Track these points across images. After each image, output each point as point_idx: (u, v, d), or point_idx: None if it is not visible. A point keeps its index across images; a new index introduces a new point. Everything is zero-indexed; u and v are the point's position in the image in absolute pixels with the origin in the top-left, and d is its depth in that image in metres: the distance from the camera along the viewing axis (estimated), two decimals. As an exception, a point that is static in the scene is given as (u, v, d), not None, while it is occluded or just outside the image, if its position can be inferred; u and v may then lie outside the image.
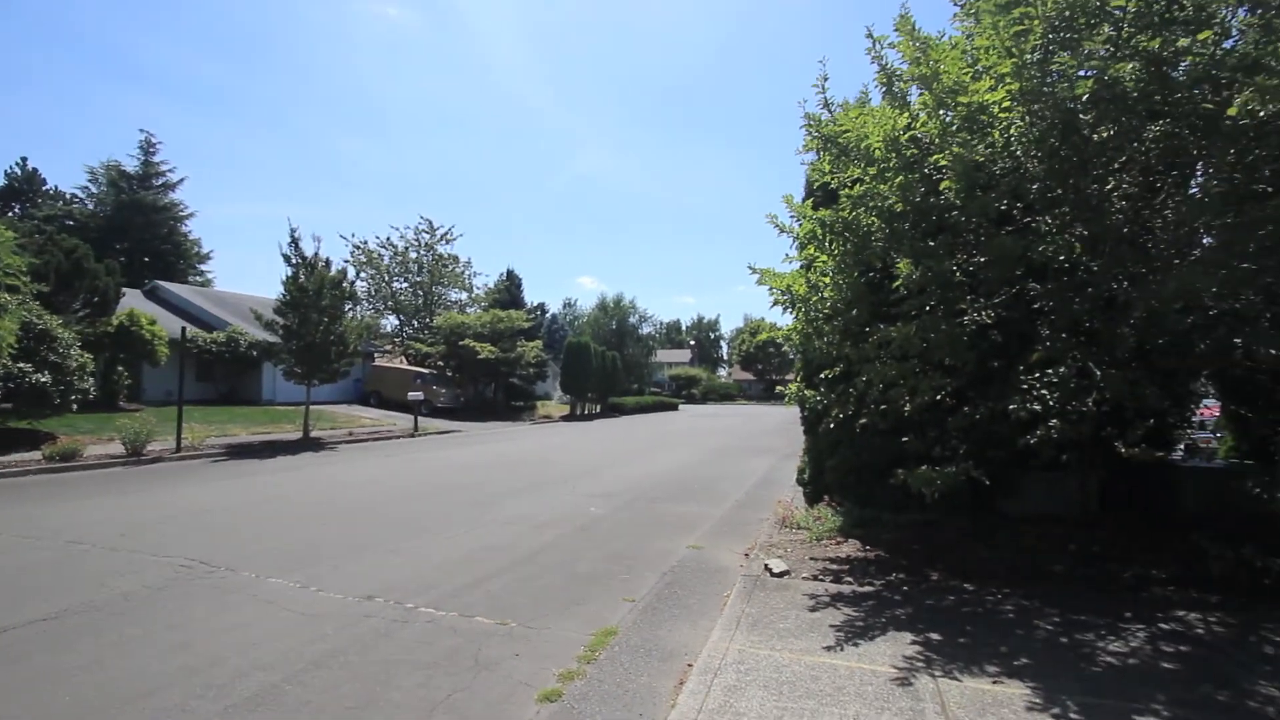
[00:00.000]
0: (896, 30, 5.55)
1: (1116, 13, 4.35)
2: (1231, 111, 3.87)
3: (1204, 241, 4.93)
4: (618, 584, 5.57)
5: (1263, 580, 4.54)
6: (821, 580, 5.36)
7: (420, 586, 5.28)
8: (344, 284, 17.47)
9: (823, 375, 6.76)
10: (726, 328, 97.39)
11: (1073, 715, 3.01)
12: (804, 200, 7.08)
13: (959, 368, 5.33)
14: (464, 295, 40.33)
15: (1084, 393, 4.73)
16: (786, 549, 6.45)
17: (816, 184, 6.74)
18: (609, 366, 36.57)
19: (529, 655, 3.99)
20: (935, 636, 4.05)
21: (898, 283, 4.97)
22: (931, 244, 5.06)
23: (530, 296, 54.35)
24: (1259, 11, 4.13)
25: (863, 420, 6.04)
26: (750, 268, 6.38)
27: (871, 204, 5.36)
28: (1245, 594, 4.52)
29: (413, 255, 38.47)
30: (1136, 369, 4.51)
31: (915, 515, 6.71)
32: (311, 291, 16.33)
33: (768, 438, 20.91)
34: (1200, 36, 4.06)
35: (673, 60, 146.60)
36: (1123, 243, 4.88)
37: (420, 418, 21.60)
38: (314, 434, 17.18)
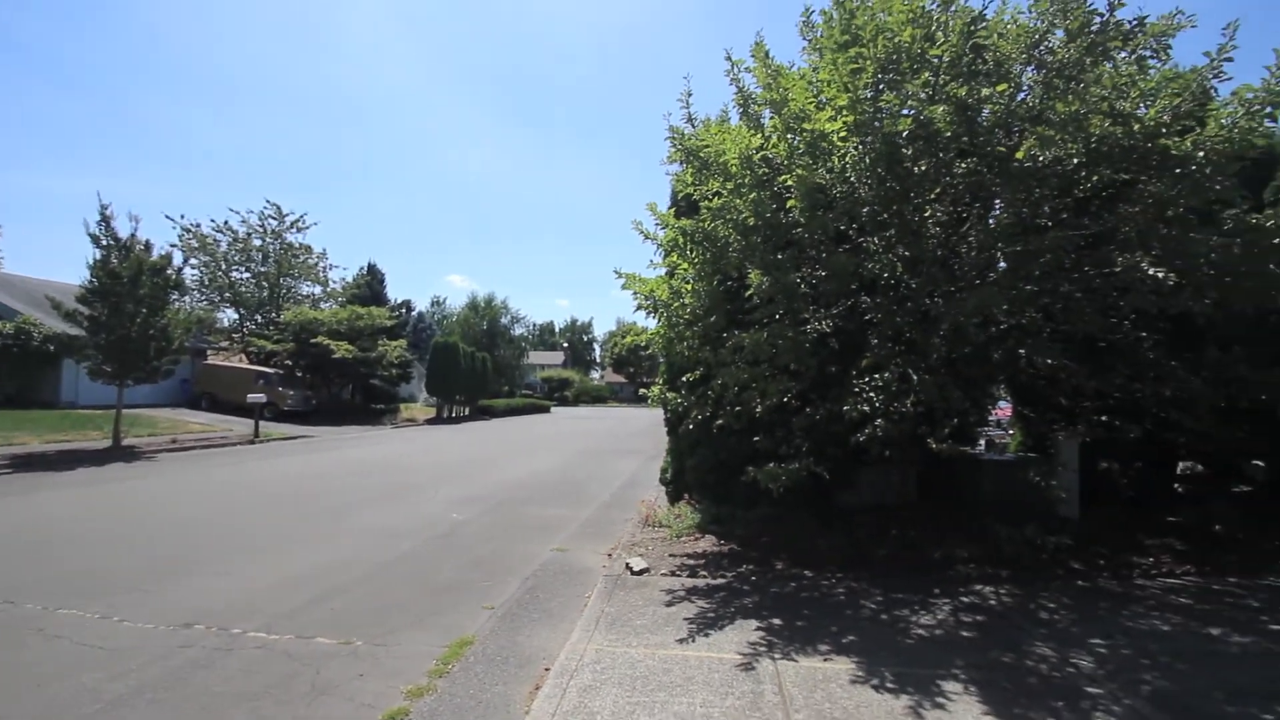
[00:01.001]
0: (752, 56, 5.93)
1: (934, 61, 4.95)
2: (1019, 155, 4.55)
3: (999, 266, 5.73)
4: (478, 592, 5.42)
5: (1041, 555, 5.36)
6: (679, 575, 5.56)
7: (250, 609, 4.79)
8: (168, 271, 15.40)
9: (684, 378, 7.03)
10: (600, 330, 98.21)
11: (889, 684, 3.35)
12: (669, 209, 7.33)
13: (803, 372, 5.77)
14: (318, 289, 37.17)
15: (904, 395, 5.31)
16: (648, 547, 6.62)
17: (680, 194, 7.00)
18: (479, 368, 35.47)
19: (375, 674, 3.77)
20: (777, 622, 4.35)
21: (750, 292, 5.28)
22: (780, 257, 5.44)
23: (394, 293, 51.27)
24: (1042, 71, 4.88)
25: (720, 421, 6.35)
26: (616, 272, 6.50)
27: (728, 217, 5.67)
28: (1029, 568, 5.30)
29: (256, 243, 34.81)
30: (945, 375, 5.14)
31: (765, 510, 7.16)
32: (126, 278, 14.23)
33: (636, 439, 21.34)
34: (998, 89, 4.72)
35: (556, 62, 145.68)
36: (936, 264, 5.55)
37: (263, 422, 19.62)
38: (127, 442, 15.02)
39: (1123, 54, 4.57)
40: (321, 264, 36.80)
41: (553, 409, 48.39)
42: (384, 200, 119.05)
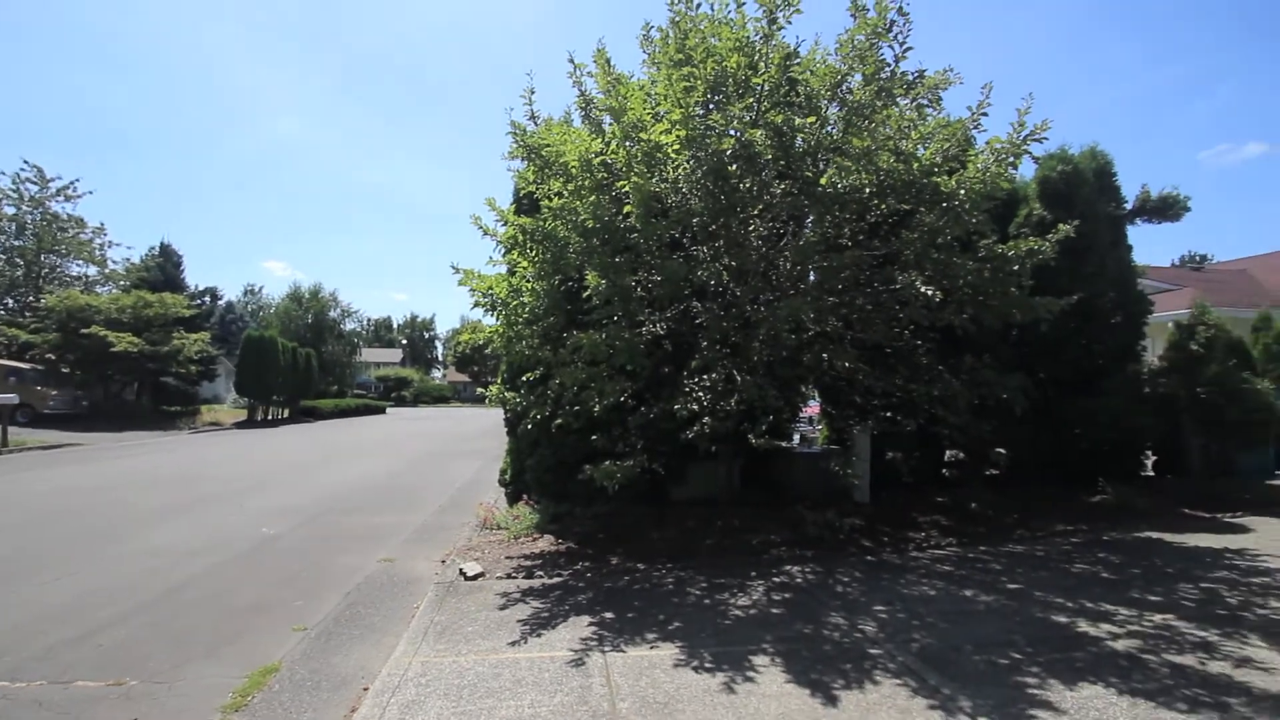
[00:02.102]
0: (594, 62, 6.03)
1: (756, 88, 5.39)
2: (823, 181, 5.10)
3: (810, 279, 6.38)
4: (289, 612, 4.94)
5: (839, 536, 6.05)
6: (515, 578, 5.50)
7: (-16, 656, 3.95)
8: None
9: (524, 378, 6.96)
10: (443, 327, 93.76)
11: (707, 664, 3.59)
12: (511, 206, 7.22)
13: (639, 373, 5.99)
14: (93, 270, 31.43)
15: (729, 395, 5.72)
16: (484, 551, 6.47)
17: (522, 191, 6.93)
18: (302, 365, 32.22)
19: (153, 718, 3.29)
20: (609, 615, 4.47)
21: (588, 293, 5.37)
22: (618, 260, 5.60)
23: (195, 279, 44.99)
24: (844, 109, 5.52)
25: (559, 421, 6.38)
26: (453, 267, 6.27)
27: (568, 217, 5.72)
28: (829, 547, 5.96)
29: (9, 210, 28.62)
30: (763, 376, 5.62)
31: (603, 507, 7.32)
32: None
33: (479, 440, 20.72)
34: (809, 120, 5.25)
35: (400, 36, 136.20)
36: (758, 275, 6.05)
37: (14, 428, 16.21)
38: None
39: (905, 101, 5.32)
40: (98, 240, 31.16)
41: (388, 410, 45.36)
42: (187, 170, 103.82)
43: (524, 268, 6.11)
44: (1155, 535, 6.10)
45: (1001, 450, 8.42)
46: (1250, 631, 3.72)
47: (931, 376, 5.92)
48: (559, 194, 5.84)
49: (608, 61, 6.00)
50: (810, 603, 4.61)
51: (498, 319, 6.40)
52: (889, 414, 6.32)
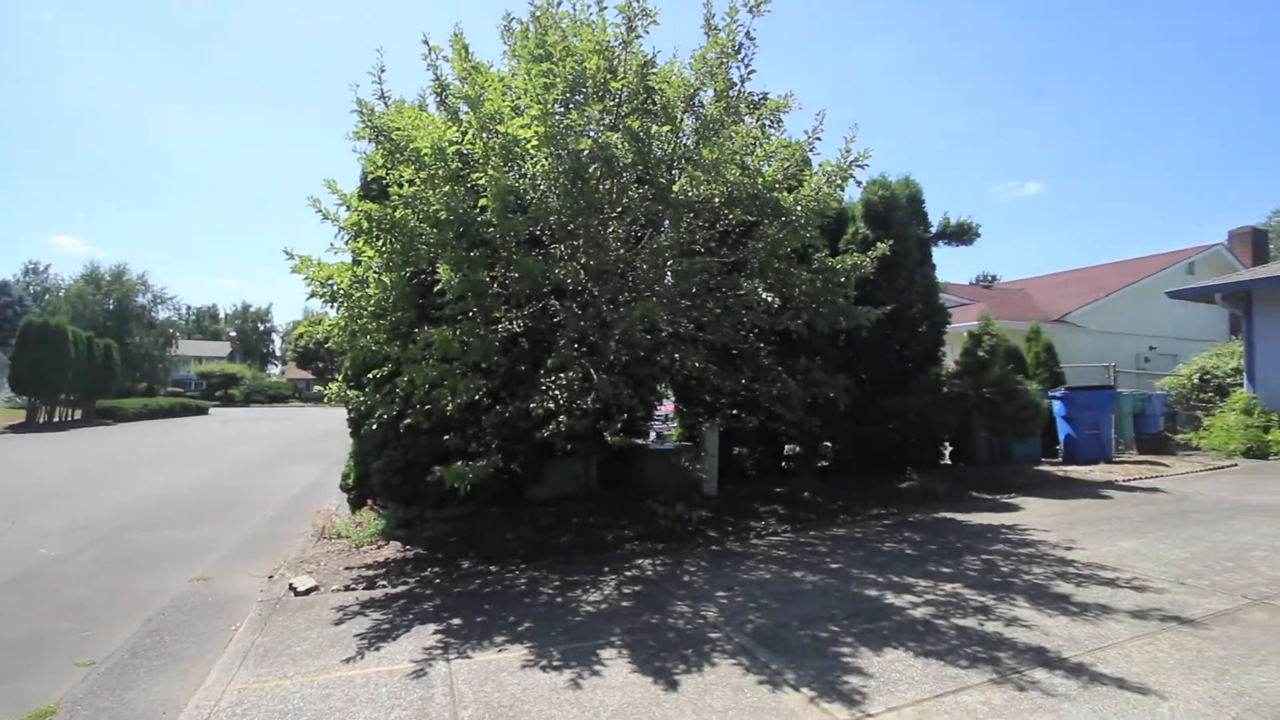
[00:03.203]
0: (451, 47, 5.81)
1: (615, 92, 5.49)
2: (675, 188, 5.31)
3: (668, 282, 6.62)
4: (71, 646, 4.25)
5: (688, 528, 6.34)
6: (354, 589, 5.15)
7: None
8: None
9: (370, 375, 6.55)
10: (282, 319, 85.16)
11: (555, 662, 3.60)
12: (357, 190, 6.74)
13: (494, 370, 5.86)
14: None
15: (586, 394, 5.77)
16: (321, 562, 5.99)
17: (370, 176, 6.49)
18: (100, 359, 27.73)
19: None
20: (456, 622, 4.33)
21: (439, 287, 5.17)
22: (473, 255, 5.43)
23: (-49, 252, 36.98)
24: (696, 121, 5.79)
25: (408, 420, 6.07)
26: (287, 253, 5.72)
27: (420, 207, 5.45)
28: (679, 539, 6.22)
29: None
30: (619, 375, 5.75)
31: (456, 509, 7.08)
32: None
33: (322, 442, 19.11)
34: (665, 128, 5.45)
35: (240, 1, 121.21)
36: (616, 275, 6.17)
37: None
38: None
39: (751, 119, 5.70)
40: None
41: (212, 411, 40.39)
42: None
43: (370, 257, 5.73)
44: (949, 515, 7.06)
45: (828, 444, 9.30)
46: (1018, 595, 4.42)
47: (772, 377, 6.39)
48: (410, 181, 5.55)
49: (465, 48, 5.81)
50: (658, 593, 4.79)
51: (339, 311, 5.95)
52: (735, 411, 6.73)
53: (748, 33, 5.46)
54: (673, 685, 3.23)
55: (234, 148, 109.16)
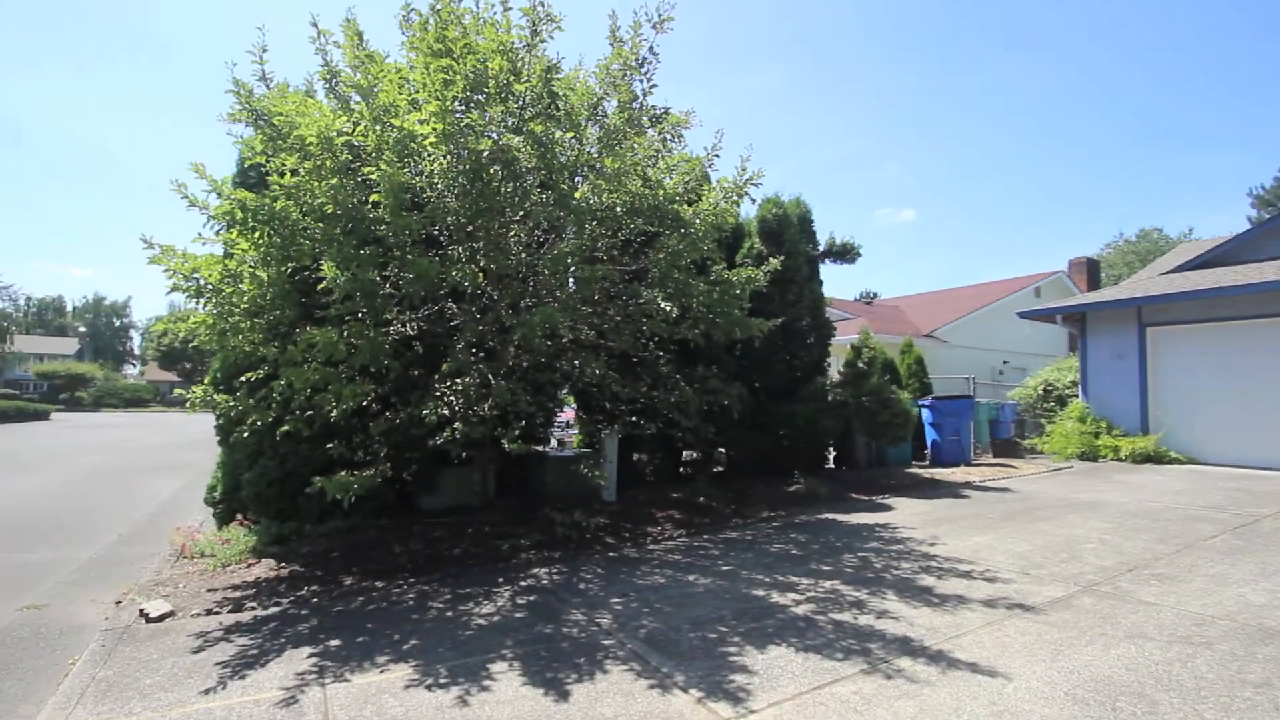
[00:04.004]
0: (344, 32, 5.51)
1: (520, 95, 5.42)
2: (578, 195, 5.32)
3: (569, 288, 6.60)
4: None
5: (585, 535, 6.33)
6: (218, 613, 4.71)
7: None
8: None
9: (243, 378, 6.03)
10: (143, 314, 76.62)
11: (442, 679, 3.47)
12: (233, 175, 6.23)
13: (385, 375, 5.59)
14: None
15: (484, 399, 5.63)
16: (180, 584, 5.43)
17: (248, 162, 6.01)
18: (-100, 353, 23.66)
19: None
20: (335, 643, 4.06)
21: (322, 285, 4.86)
22: (364, 252, 5.16)
23: None
24: (600, 130, 5.83)
25: (286, 427, 5.66)
26: (145, 241, 5.16)
27: (304, 199, 5.12)
28: (576, 547, 6.19)
29: None
30: (518, 381, 5.65)
31: (339, 523, 6.66)
32: None
33: (187, 451, 17.36)
34: (568, 135, 5.44)
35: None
36: (517, 280, 6.08)
37: None
38: None
39: (653, 132, 5.82)
40: None
41: (56, 415, 35.64)
42: None
43: (244, 250, 5.29)
44: (832, 516, 7.51)
45: (723, 449, 9.64)
46: (888, 589, 4.76)
47: (671, 384, 6.53)
48: (294, 171, 5.19)
49: (359, 35, 5.53)
50: (554, 603, 4.74)
51: (207, 308, 5.44)
52: (635, 418, 6.81)
53: (651, 48, 5.58)
54: (564, 696, 3.21)
55: (88, 119, 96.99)
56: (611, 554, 6.04)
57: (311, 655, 3.87)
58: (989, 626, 3.95)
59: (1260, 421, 10.28)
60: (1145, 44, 59.51)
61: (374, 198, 4.93)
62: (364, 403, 5.56)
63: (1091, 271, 22.92)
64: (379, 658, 3.79)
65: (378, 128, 5.04)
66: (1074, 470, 10.82)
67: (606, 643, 3.90)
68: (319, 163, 5.03)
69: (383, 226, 5.15)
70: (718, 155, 6.09)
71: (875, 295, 23.48)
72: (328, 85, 5.65)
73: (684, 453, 9.67)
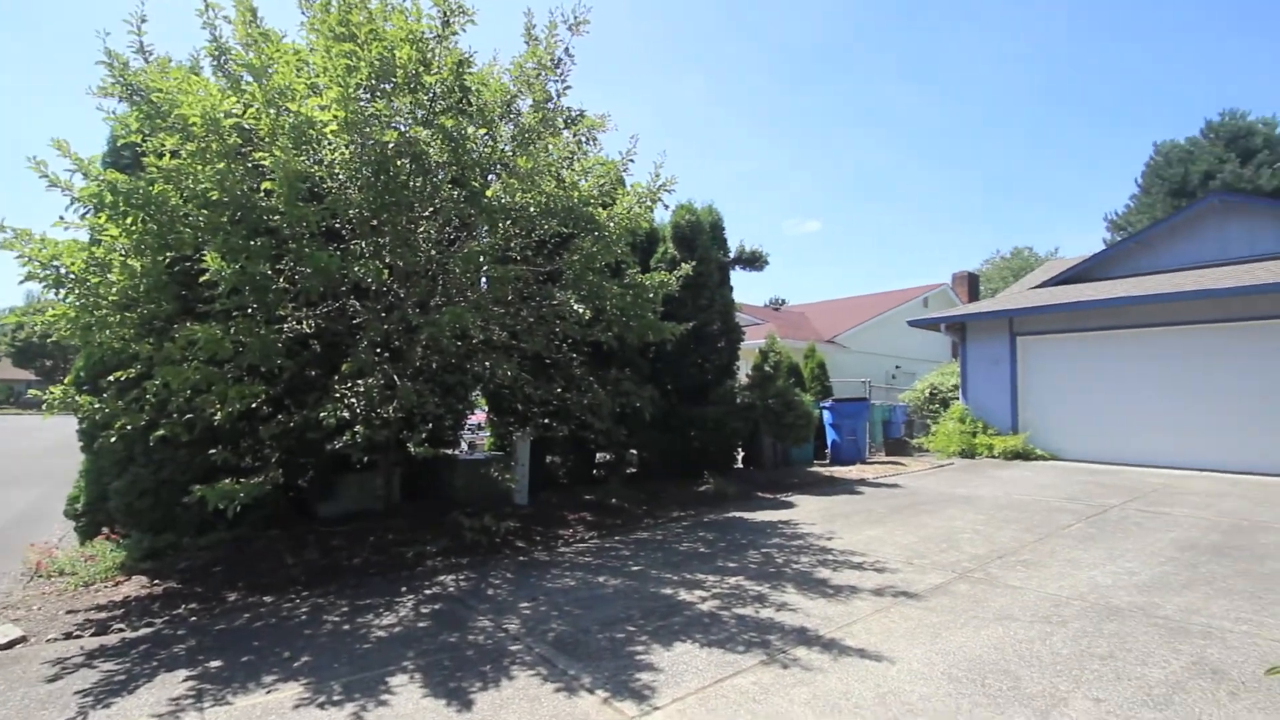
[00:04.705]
0: (235, 6, 5.15)
1: (430, 87, 5.26)
2: (489, 194, 5.22)
3: (481, 287, 6.46)
4: None
5: (495, 539, 6.21)
6: (79, 637, 4.25)
7: None
8: None
9: (112, 377, 5.48)
10: (-9, 303, 67.67)
11: (336, 696, 3.30)
12: (99, 155, 5.65)
13: (277, 375, 5.25)
14: None
15: (388, 401, 5.41)
16: (34, 607, 4.86)
17: (121, 141, 5.47)
18: None
19: None
20: (216, 664, 3.77)
21: (205, 277, 4.50)
22: (254, 244, 4.82)
23: None
24: (514, 128, 5.75)
25: (161, 432, 5.19)
26: (-6, 224, 4.58)
27: (186, 183, 4.73)
28: (485, 552, 6.06)
29: None
30: (425, 382, 5.47)
31: (224, 534, 6.18)
32: None
33: (45, 459, 15.51)
34: (480, 131, 5.33)
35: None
36: (425, 277, 5.88)
37: None
38: None
39: (569, 134, 5.81)
40: None
41: None
42: None
43: (114, 237, 4.81)
44: (739, 514, 7.77)
45: (636, 451, 9.75)
46: (788, 583, 4.99)
47: (584, 386, 6.53)
48: (174, 153, 4.78)
49: (253, 10, 5.19)
50: (460, 610, 4.62)
51: (68, 298, 4.91)
52: (547, 421, 6.75)
53: (567, 49, 5.56)
54: (467, 705, 3.14)
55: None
56: (522, 558, 5.96)
57: (189, 679, 3.57)
58: (877, 614, 4.23)
59: (1110, 422, 11.58)
60: (1022, 77, 65.81)
61: (266, 185, 4.62)
62: (252, 405, 5.19)
63: (972, 285, 24.98)
64: (266, 677, 3.56)
65: (272, 111, 4.73)
66: (955, 467, 11.75)
67: (514, 648, 3.85)
68: (204, 145, 4.66)
69: (276, 216, 4.83)
70: (633, 160, 6.17)
71: (783, 302, 24.51)
72: (216, 63, 5.24)
73: (597, 455, 9.69)
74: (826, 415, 12.57)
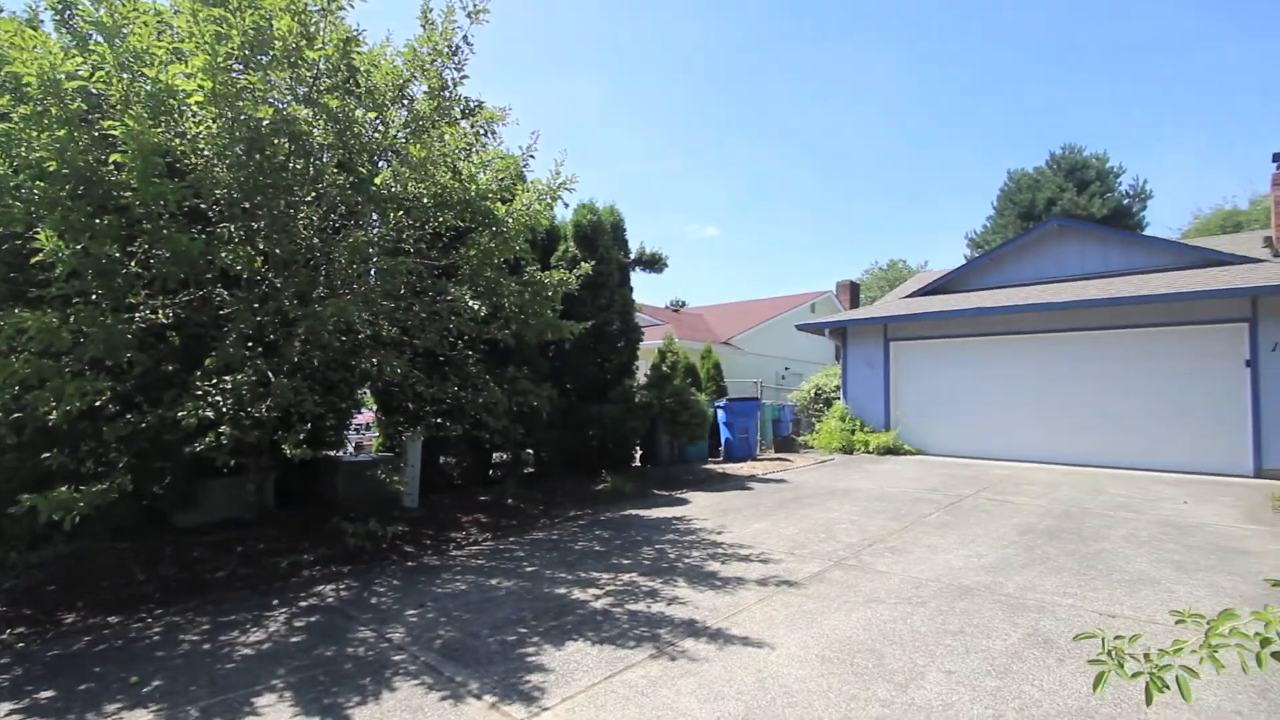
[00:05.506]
0: (80, -46, 4.58)
1: (313, 64, 4.92)
2: (377, 182, 4.98)
3: (371, 279, 6.12)
4: None
5: (381, 545, 5.92)
6: None
7: None
8: None
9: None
10: None
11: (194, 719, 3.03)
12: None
13: (126, 369, 4.72)
14: None
15: (261, 399, 5.01)
16: None
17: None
18: None
19: None
20: (48, 694, 3.34)
21: (38, 258, 3.97)
22: (100, 223, 4.31)
23: None
24: (407, 114, 5.51)
25: (-21, 433, 4.52)
26: None
27: (16, 151, 4.14)
28: (370, 559, 5.76)
29: None
30: (304, 379, 5.11)
31: (62, 548, 5.49)
32: None
33: None
34: (370, 115, 5.06)
35: None
36: (306, 266, 5.50)
37: None
38: None
39: (466, 124, 5.64)
40: None
41: None
42: None
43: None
44: (635, 512, 7.88)
45: (533, 450, 9.64)
46: (680, 577, 5.13)
47: (480, 385, 6.37)
48: (3, 115, 4.18)
49: (102, -38, 4.62)
50: (339, 622, 4.37)
51: None
52: (440, 420, 6.52)
53: (466, 37, 5.40)
54: (345, 720, 2.98)
55: None
56: (410, 563, 5.72)
57: (13, 713, 3.14)
58: (761, 603, 4.45)
59: (968, 420, 12.83)
60: (904, 103, 71.49)
61: (116, 158, 4.14)
62: (96, 403, 4.63)
63: (853, 292, 26.78)
64: (108, 706, 3.20)
65: (125, 76, 4.25)
66: (835, 462, 12.56)
67: (397, 658, 3.70)
68: (40, 108, 4.10)
69: (129, 193, 4.34)
70: (533, 156, 6.09)
71: (683, 304, 25.11)
72: (59, 17, 4.64)
73: (494, 455, 9.48)
74: (721, 414, 13.02)
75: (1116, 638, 1.65)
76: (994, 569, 5.21)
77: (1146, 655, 1.57)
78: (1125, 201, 32.34)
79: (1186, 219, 39.92)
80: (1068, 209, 30.92)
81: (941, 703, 3.05)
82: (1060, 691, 3.13)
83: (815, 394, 16.55)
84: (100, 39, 4.38)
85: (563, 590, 4.86)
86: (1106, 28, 57.80)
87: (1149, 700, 1.48)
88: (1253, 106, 55.87)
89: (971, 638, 3.82)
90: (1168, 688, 1.49)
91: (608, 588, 4.88)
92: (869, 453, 13.31)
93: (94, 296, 4.44)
